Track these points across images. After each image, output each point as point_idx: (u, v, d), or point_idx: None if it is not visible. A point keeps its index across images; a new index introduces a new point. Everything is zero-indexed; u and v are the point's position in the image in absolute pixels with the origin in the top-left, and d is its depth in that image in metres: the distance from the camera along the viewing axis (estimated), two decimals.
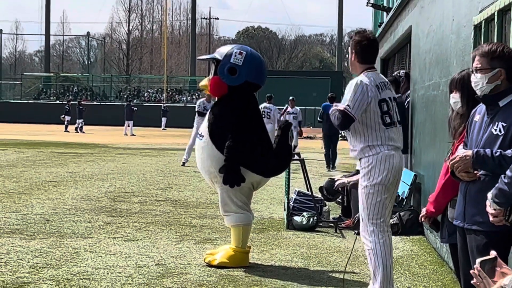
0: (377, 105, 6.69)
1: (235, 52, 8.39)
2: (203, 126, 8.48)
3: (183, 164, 21.62)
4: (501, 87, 4.54)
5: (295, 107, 27.95)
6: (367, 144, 6.70)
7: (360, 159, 6.79)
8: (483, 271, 2.84)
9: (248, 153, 8.16)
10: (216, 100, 8.69)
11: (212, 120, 8.35)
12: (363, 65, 6.87)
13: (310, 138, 44.95)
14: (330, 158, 22.84)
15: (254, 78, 8.42)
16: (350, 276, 8.01)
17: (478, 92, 4.61)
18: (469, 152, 4.47)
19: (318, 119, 23.74)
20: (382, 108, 6.73)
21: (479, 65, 4.57)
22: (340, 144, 24.62)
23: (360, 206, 6.80)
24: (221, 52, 8.52)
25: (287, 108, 27.86)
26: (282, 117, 25.94)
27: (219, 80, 8.37)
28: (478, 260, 2.89)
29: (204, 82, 8.63)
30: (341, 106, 6.65)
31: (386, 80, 7.03)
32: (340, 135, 23.83)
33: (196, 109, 21.68)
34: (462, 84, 5.17)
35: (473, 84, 4.64)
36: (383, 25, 19.80)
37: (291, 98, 28.08)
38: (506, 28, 6.73)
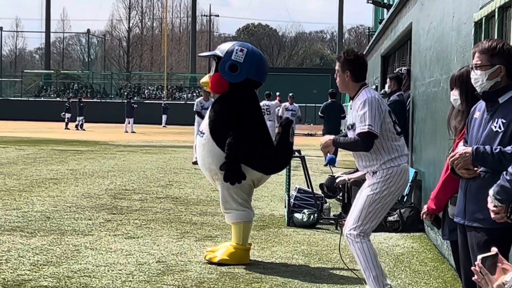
0: (388, 116, 6.68)
1: (236, 49, 8.38)
2: (204, 123, 8.48)
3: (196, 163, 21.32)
4: (501, 83, 4.53)
5: (294, 104, 28.08)
6: (389, 158, 6.63)
7: (375, 172, 6.69)
8: (484, 268, 2.84)
9: (249, 150, 8.16)
10: (217, 97, 8.70)
11: (213, 117, 8.35)
12: (358, 83, 6.78)
13: (311, 135, 44.91)
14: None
15: (255, 75, 8.42)
16: (350, 273, 8.01)
17: (478, 89, 4.61)
18: (469, 149, 4.46)
19: (320, 114, 23.80)
20: (392, 118, 6.72)
21: (479, 62, 4.56)
22: None
23: (357, 208, 6.72)
24: (222, 49, 8.51)
25: (279, 97, 28.01)
26: (280, 111, 26.19)
27: (220, 77, 8.37)
28: (479, 257, 2.88)
29: (205, 79, 8.63)
30: (361, 128, 6.50)
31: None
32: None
33: (194, 109, 21.71)
34: (461, 81, 5.17)
35: (473, 81, 4.64)
36: (383, 22, 19.81)
37: (290, 94, 28.28)
38: (507, 25, 6.73)
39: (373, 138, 6.51)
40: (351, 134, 6.71)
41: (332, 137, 6.80)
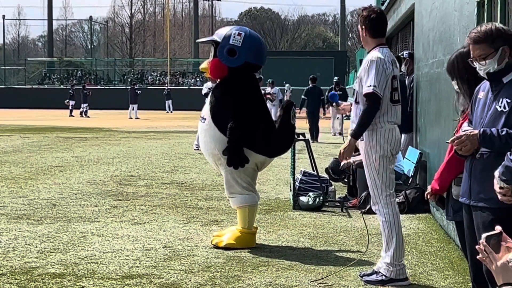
0: (390, 81, 6.75)
1: (234, 33, 8.37)
2: (205, 109, 8.47)
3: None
4: (508, 63, 4.52)
5: (275, 87, 32.49)
6: (374, 120, 6.75)
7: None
8: (488, 246, 2.85)
9: (251, 133, 8.16)
10: (217, 82, 8.70)
11: (214, 102, 8.34)
12: (376, 40, 6.90)
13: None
14: (314, 131, 25.41)
15: (253, 58, 8.41)
16: (357, 255, 8.03)
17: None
18: (476, 131, 4.46)
19: (302, 96, 26.63)
20: (393, 85, 6.79)
21: (482, 53, 4.50)
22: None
23: (371, 181, 6.91)
24: (220, 34, 8.50)
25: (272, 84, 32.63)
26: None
27: (218, 62, 8.35)
28: (483, 236, 2.89)
29: (204, 65, 8.61)
30: (366, 89, 6.67)
31: (394, 57, 7.09)
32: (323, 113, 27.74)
33: (203, 92, 21.14)
34: (454, 69, 5.11)
35: (483, 72, 4.53)
36: (385, 3, 19.74)
37: (270, 81, 32.65)
38: (510, 4, 6.71)
39: (378, 99, 6.67)
40: (357, 87, 6.86)
41: (348, 142, 6.82)
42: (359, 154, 11.94)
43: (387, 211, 6.86)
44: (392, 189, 6.96)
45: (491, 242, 2.85)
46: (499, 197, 4.25)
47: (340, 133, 28.00)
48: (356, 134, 6.75)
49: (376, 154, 6.80)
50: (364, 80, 6.73)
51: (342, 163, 11.96)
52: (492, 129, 4.39)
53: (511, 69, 4.51)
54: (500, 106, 4.45)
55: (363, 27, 6.89)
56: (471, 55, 4.58)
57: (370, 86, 6.64)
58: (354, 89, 6.99)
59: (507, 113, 4.41)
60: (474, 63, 4.58)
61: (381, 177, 6.85)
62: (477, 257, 2.92)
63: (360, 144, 6.91)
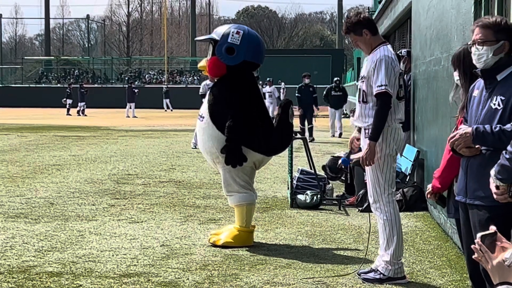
0: (397, 79, 6.75)
1: (232, 32, 8.36)
2: (203, 107, 8.47)
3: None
4: (501, 60, 4.52)
5: (272, 86, 34.63)
6: None
7: (366, 129, 6.83)
8: (483, 246, 2.84)
9: (249, 132, 8.15)
10: (215, 80, 8.70)
11: (212, 100, 8.34)
12: (377, 37, 6.89)
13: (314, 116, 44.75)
14: (306, 129, 25.29)
15: (252, 57, 8.40)
16: (354, 253, 8.04)
17: (481, 65, 4.55)
18: (469, 129, 4.46)
19: (296, 94, 26.50)
20: (399, 82, 6.78)
21: (483, 37, 4.52)
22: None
23: (373, 179, 6.88)
24: (218, 32, 8.49)
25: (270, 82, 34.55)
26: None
27: (217, 60, 8.35)
28: (478, 235, 2.89)
29: (203, 63, 8.60)
30: (377, 89, 6.63)
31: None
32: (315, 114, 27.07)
33: (200, 92, 20.88)
34: (459, 61, 5.14)
35: (476, 58, 4.57)
36: (383, 1, 19.76)
37: (268, 79, 34.53)
38: (507, 2, 6.71)
39: (390, 97, 6.65)
40: (363, 86, 6.81)
41: (368, 146, 6.76)
42: (357, 152, 11.97)
43: (388, 210, 6.84)
44: (394, 188, 6.95)
45: (486, 241, 2.85)
46: (495, 196, 4.24)
47: (340, 135, 27.58)
48: (374, 137, 6.69)
49: (382, 152, 6.77)
50: (374, 79, 6.67)
51: (339, 162, 11.97)
52: (485, 126, 4.40)
53: (505, 67, 4.51)
54: (494, 104, 4.45)
55: (365, 31, 6.79)
56: (472, 39, 4.58)
57: (382, 85, 6.59)
58: (359, 88, 6.93)
59: (501, 110, 4.41)
60: (472, 47, 4.59)
61: (384, 175, 6.83)
62: (473, 256, 2.91)
63: (365, 142, 6.84)
